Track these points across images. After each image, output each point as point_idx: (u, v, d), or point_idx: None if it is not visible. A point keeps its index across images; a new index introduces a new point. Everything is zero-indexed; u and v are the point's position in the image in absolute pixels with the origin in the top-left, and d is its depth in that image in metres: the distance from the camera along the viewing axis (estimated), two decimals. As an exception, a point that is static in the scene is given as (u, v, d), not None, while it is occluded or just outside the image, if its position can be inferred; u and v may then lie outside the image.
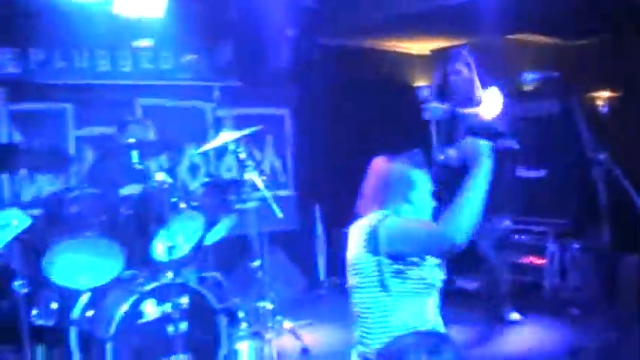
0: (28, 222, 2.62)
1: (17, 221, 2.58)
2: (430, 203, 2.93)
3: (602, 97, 7.00)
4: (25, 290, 3.84)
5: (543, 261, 6.21)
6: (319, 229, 7.20)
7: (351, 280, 2.83)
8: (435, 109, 5.39)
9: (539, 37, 7.52)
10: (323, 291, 6.92)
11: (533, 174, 6.53)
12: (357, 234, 2.80)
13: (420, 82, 8.05)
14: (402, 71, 8.20)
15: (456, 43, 7.87)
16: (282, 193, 7.07)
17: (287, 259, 6.73)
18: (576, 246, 5.95)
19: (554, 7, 5.88)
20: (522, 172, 6.46)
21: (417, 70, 8.29)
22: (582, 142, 4.13)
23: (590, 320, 5.14)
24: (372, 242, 2.68)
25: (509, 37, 7.27)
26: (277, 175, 7.23)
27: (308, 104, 7.03)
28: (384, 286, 2.67)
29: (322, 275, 7.18)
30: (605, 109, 6.95)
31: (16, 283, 3.79)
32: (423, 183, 2.89)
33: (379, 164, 2.95)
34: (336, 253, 7.09)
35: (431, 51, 8.29)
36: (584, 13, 6.05)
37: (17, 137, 5.56)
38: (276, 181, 7.15)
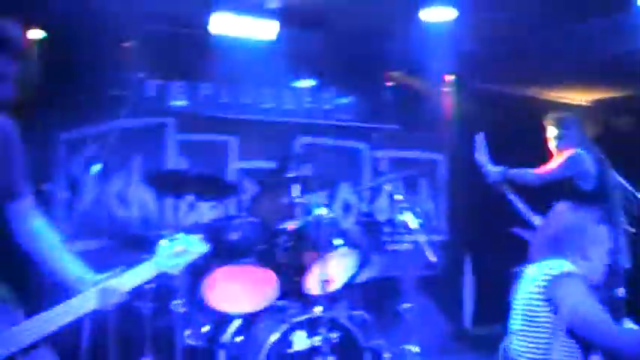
0: (205, 249, 2.73)
1: (197, 248, 2.70)
2: (604, 264, 2.80)
3: None
4: (183, 310, 3.98)
5: None
6: (468, 276, 7.06)
7: (515, 325, 2.75)
8: None
9: None
10: (468, 340, 6.74)
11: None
12: (529, 279, 2.72)
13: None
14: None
15: (618, 94, 7.67)
16: (434, 237, 7.02)
17: (433, 304, 6.62)
18: None
19: None
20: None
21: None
22: None
23: None
24: (550, 297, 2.61)
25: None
26: (429, 220, 7.18)
27: (464, 150, 6.95)
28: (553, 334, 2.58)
29: (468, 324, 7.02)
30: None
31: (175, 303, 3.94)
32: (603, 240, 2.77)
33: (563, 210, 2.86)
34: (484, 302, 6.96)
35: (591, 101, 8.06)
36: None
37: (183, 165, 5.85)
38: (428, 225, 7.11)
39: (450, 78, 6.84)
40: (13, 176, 2.57)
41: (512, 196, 5.00)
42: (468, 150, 6.90)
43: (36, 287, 3.42)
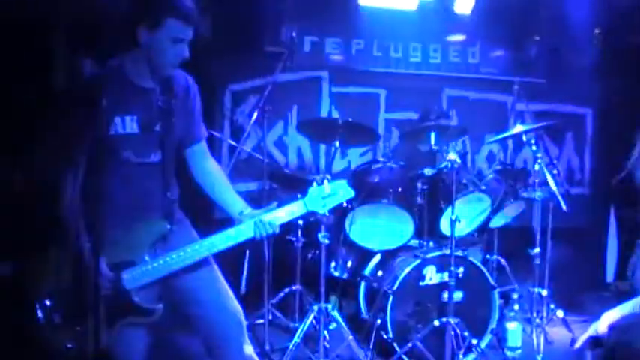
0: (352, 195, 3.19)
1: (343, 192, 3.17)
2: None
3: None
4: (327, 242, 4.49)
5: None
6: (612, 230, 7.12)
7: None
8: None
9: None
10: (607, 293, 6.84)
11: None
12: None
13: None
14: None
15: None
16: (578, 190, 7.15)
17: (573, 255, 6.77)
18: None
19: None
20: None
21: None
22: None
23: None
24: None
25: None
26: (574, 173, 7.29)
27: (612, 105, 6.97)
28: None
29: (610, 278, 7.10)
30: None
31: (321, 235, 4.46)
32: None
33: None
34: (627, 258, 6.98)
35: None
36: None
37: (336, 115, 6.36)
38: (572, 179, 7.24)
39: (597, 32, 6.83)
40: (194, 124, 3.16)
41: None
42: (616, 104, 6.95)
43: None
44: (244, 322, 3.18)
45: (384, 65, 6.61)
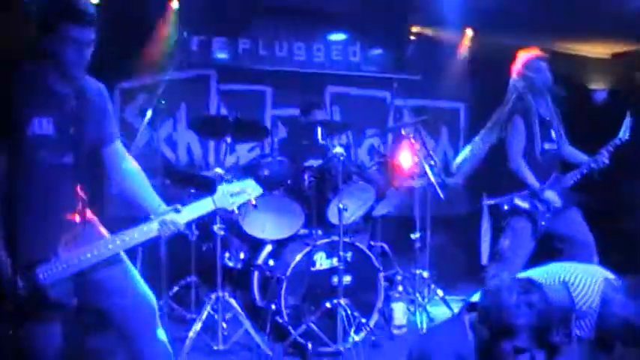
0: (260, 191, 3.36)
1: (251, 190, 3.33)
2: None
3: None
4: (222, 233, 4.69)
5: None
6: (485, 216, 7.61)
7: None
8: None
9: None
10: (482, 275, 7.32)
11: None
12: None
13: (598, 86, 8.23)
14: (579, 74, 8.39)
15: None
16: (452, 180, 7.62)
17: (451, 241, 7.23)
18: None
19: None
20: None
21: (595, 73, 8.45)
22: None
23: None
24: None
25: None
26: (450, 164, 7.76)
27: (483, 100, 7.47)
28: None
29: (484, 261, 7.61)
30: None
31: (216, 227, 4.65)
32: None
33: None
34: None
35: (612, 55, 8.43)
36: None
37: (224, 112, 6.54)
38: (448, 170, 7.71)
39: (470, 31, 7.32)
40: (107, 125, 3.26)
41: None
42: (487, 99, 7.45)
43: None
44: (157, 309, 3.33)
45: (269, 64, 6.84)
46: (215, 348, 4.75)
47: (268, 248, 5.39)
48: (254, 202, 3.33)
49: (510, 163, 5.14)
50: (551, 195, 5.00)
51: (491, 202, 5.65)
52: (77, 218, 3.12)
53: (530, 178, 5.05)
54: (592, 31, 7.49)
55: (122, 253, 3.26)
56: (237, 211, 3.30)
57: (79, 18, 2.94)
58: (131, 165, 3.32)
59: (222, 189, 3.26)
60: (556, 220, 5.03)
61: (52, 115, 3.01)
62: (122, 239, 3.11)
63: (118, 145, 3.33)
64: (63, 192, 3.09)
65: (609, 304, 3.10)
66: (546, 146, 5.08)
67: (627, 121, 5.03)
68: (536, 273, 3.34)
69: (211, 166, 6.57)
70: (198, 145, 6.61)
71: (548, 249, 5.22)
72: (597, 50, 8.41)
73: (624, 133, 4.98)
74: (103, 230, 3.30)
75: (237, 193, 3.28)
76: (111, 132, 3.29)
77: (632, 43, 8.02)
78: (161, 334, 3.37)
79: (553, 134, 5.16)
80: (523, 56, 5.24)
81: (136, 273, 3.32)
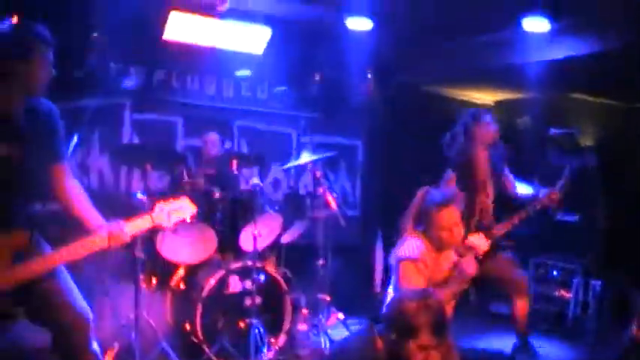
0: (194, 210, 3.65)
1: (186, 208, 3.64)
2: None
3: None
4: (142, 256, 4.95)
5: (570, 294, 7.06)
6: (378, 247, 8.16)
7: None
8: None
9: (594, 98, 8.27)
10: (375, 301, 7.82)
11: (569, 218, 7.38)
12: None
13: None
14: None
15: (519, 96, 8.83)
16: (351, 212, 8.13)
17: (349, 269, 7.68)
18: (598, 282, 6.77)
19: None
20: (561, 216, 7.38)
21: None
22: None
23: (602, 346, 6.16)
24: None
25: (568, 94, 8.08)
26: (348, 197, 8.28)
27: (379, 138, 8.05)
28: None
29: (377, 288, 8.13)
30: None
31: (137, 249, 4.90)
32: None
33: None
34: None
35: (495, 102, 9.23)
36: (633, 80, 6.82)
37: (136, 141, 6.78)
38: (346, 202, 8.22)
39: (370, 75, 7.89)
40: (55, 145, 3.46)
41: None
42: (382, 138, 8.05)
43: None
44: (91, 319, 3.57)
45: (181, 95, 7.15)
46: (133, 367, 4.97)
47: (181, 272, 5.66)
48: (189, 221, 3.64)
49: None
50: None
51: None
52: (23, 233, 3.35)
53: None
54: (478, 79, 8.22)
55: (63, 268, 3.50)
56: (172, 226, 3.60)
57: (49, 41, 3.27)
58: (77, 183, 3.56)
59: (160, 207, 3.56)
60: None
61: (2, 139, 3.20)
62: (68, 252, 3.35)
63: (65, 165, 3.56)
64: (8, 207, 3.31)
65: None
66: None
67: (567, 171, 5.36)
68: None
69: (122, 192, 6.76)
70: (111, 172, 6.80)
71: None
72: (483, 97, 9.19)
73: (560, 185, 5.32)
74: (47, 245, 3.52)
75: (174, 210, 3.59)
76: (60, 151, 3.51)
77: (512, 92, 8.81)
78: (94, 345, 3.61)
79: None
80: None
81: (74, 286, 3.55)
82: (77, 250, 3.36)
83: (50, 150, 3.45)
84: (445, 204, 4.02)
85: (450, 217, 4.02)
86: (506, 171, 5.53)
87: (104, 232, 3.38)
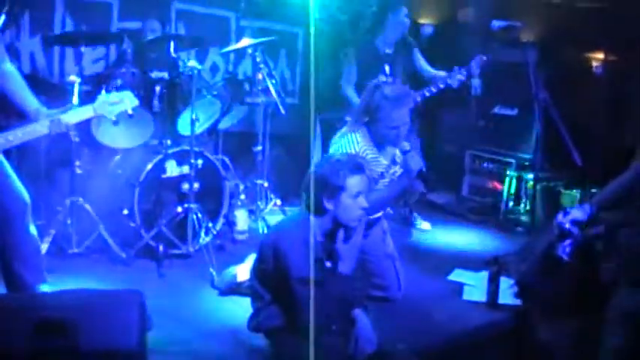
0: (136, 102, 3.64)
1: (128, 100, 3.60)
2: None
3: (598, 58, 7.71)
4: (77, 140, 4.88)
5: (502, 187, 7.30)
6: (317, 136, 8.18)
7: None
8: None
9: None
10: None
11: (507, 112, 7.50)
12: None
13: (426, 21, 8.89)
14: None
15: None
16: (289, 100, 8.08)
17: (287, 156, 7.72)
18: (530, 176, 6.98)
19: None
20: (499, 110, 7.51)
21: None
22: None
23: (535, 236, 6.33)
24: None
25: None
26: (286, 84, 8.21)
27: (319, 27, 7.91)
28: None
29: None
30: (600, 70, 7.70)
31: (72, 133, 4.81)
32: None
33: None
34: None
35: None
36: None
37: (69, 22, 6.54)
38: (285, 89, 8.15)
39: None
40: None
41: None
42: (322, 26, 7.91)
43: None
44: (29, 204, 3.55)
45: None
46: (70, 252, 4.99)
47: (118, 157, 5.60)
48: (130, 112, 3.60)
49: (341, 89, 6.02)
50: None
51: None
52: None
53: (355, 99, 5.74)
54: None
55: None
56: (114, 118, 3.56)
57: None
58: (10, 65, 3.47)
59: (102, 98, 3.52)
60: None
61: None
62: (6, 138, 3.29)
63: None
64: None
65: None
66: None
67: (477, 59, 5.83)
68: None
69: (55, 75, 6.56)
70: (42, 55, 6.56)
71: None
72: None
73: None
74: None
75: (116, 102, 3.55)
76: None
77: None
78: (32, 229, 3.61)
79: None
80: None
81: (10, 169, 3.51)
82: (17, 136, 3.31)
83: None
84: (398, 103, 4.09)
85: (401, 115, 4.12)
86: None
87: (45, 119, 3.33)
